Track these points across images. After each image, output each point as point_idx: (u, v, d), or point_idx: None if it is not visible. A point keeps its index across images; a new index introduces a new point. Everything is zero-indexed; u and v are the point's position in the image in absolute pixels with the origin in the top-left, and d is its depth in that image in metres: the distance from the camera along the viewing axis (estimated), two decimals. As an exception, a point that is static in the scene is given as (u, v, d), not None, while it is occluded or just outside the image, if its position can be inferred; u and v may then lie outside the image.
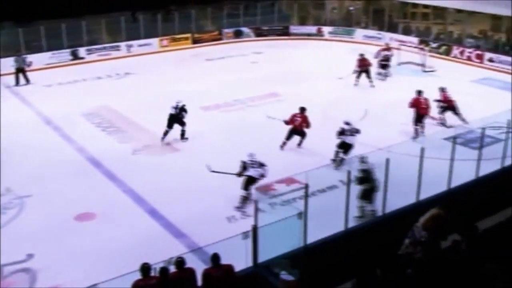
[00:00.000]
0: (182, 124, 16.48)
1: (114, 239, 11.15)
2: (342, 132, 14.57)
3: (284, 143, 15.88)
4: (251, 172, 12.39)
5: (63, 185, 13.66)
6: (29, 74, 23.83)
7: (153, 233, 11.44)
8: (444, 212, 8.80)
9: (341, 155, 14.48)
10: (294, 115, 15.93)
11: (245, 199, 12.29)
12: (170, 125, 16.36)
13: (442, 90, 17.85)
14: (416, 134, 16.19)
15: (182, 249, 10.26)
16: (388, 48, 24.11)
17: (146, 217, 12.05)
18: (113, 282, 7.40)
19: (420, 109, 16.63)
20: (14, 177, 14.07)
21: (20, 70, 23.68)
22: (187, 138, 16.44)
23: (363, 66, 22.38)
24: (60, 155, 15.66)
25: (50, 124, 18.36)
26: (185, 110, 16.44)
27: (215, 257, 8.15)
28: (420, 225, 8.57)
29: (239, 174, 12.46)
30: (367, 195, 11.33)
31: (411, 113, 16.96)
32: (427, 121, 16.79)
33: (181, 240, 11.03)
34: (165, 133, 16.34)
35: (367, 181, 11.25)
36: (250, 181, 12.40)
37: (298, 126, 15.86)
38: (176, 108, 16.40)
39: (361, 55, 22.67)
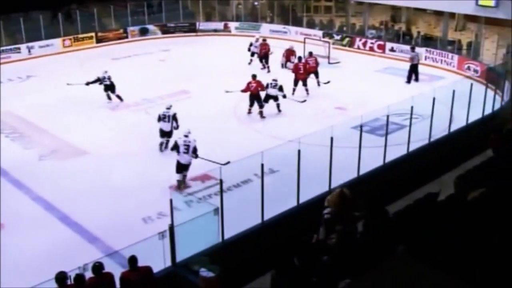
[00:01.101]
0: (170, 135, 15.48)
1: (26, 249, 10.72)
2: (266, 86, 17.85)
3: (249, 110, 18.25)
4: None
5: (-34, 196, 12.97)
6: None
7: (67, 240, 11.09)
8: (348, 191, 9.20)
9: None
10: (249, 83, 18.19)
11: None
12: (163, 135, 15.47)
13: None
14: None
15: (97, 254, 10.01)
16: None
17: (58, 224, 11.66)
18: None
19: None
20: None
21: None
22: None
23: (263, 51, 24.22)
24: (-40, 165, 14.84)
25: None
26: (176, 119, 15.54)
27: (132, 260, 7.99)
28: (325, 202, 8.90)
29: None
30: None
31: (320, 104, 17.40)
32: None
33: (96, 245, 10.77)
34: (162, 144, 15.41)
35: None
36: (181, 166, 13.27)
37: (254, 91, 18.09)
38: (165, 117, 15.38)
39: (264, 40, 24.88)
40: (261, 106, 18.15)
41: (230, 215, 9.42)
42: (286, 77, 20.12)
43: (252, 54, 24.82)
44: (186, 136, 13.42)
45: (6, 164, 14.63)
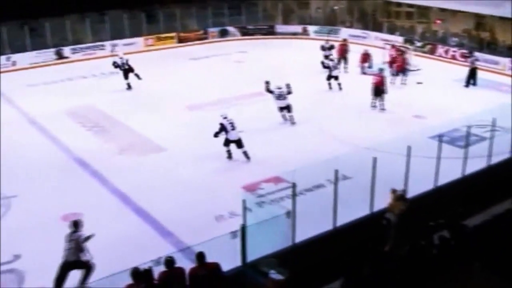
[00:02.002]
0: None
1: (101, 239, 11.05)
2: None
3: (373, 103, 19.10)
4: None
5: (49, 185, 13.55)
6: (13, 73, 23.63)
7: (141, 232, 11.38)
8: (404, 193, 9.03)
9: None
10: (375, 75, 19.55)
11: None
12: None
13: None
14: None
15: (170, 248, 10.25)
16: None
17: (133, 217, 11.99)
18: (101, 282, 7.37)
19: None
20: (-2, 177, 13.98)
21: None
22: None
23: (342, 52, 24.37)
24: (45, 155, 15.54)
25: (35, 124, 18.22)
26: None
27: (200, 256, 8.12)
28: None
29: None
30: None
31: (396, 111, 17.10)
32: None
33: (168, 239, 10.99)
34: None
35: None
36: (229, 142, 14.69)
37: (378, 83, 19.08)
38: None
39: (344, 40, 25.22)
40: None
41: (301, 219, 9.41)
42: (363, 82, 19.92)
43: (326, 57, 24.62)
44: (225, 117, 14.85)
45: (87, 157, 15.23)
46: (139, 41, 29.75)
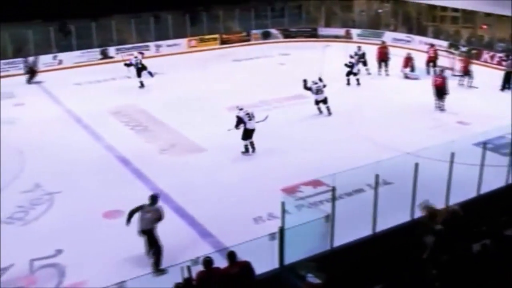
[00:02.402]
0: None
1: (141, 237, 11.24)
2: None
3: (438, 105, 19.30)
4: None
5: (92, 182, 13.84)
6: (59, 72, 24.24)
7: (180, 231, 11.49)
8: (461, 210, 8.85)
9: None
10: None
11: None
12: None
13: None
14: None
15: (208, 248, 10.33)
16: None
17: (173, 216, 12.10)
18: (140, 279, 7.46)
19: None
20: (43, 173, 14.33)
21: (31, 71, 24.14)
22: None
23: (381, 55, 24.30)
24: (89, 152, 15.88)
25: (79, 122, 18.64)
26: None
27: (232, 255, 8.15)
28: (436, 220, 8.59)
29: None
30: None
31: (440, 116, 16.85)
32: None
33: (207, 239, 11.07)
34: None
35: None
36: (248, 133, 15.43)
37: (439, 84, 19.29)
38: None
39: (383, 42, 25.14)
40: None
41: (340, 223, 9.34)
42: (405, 85, 19.66)
43: (364, 63, 24.40)
44: (241, 108, 15.69)
45: (129, 155, 15.49)
46: (183, 42, 30.09)
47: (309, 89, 18.89)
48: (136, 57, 23.47)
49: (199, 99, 20.26)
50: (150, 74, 22.99)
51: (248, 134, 15.56)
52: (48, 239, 11.14)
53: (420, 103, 19.59)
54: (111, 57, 27.90)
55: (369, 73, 24.15)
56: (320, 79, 18.89)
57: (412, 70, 23.99)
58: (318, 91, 18.73)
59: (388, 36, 30.68)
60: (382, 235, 9.99)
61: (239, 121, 15.53)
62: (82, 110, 19.67)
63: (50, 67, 26.05)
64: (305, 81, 18.91)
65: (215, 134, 16.63)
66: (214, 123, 17.88)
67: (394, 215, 10.58)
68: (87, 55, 27.31)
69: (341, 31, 32.51)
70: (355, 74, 22.47)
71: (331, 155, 15.22)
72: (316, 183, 13.22)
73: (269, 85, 22.33)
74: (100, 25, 28.08)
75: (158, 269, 9.89)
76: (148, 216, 10.19)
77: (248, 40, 32.01)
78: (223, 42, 31.32)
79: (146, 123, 18.40)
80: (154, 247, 10.13)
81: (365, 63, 24.25)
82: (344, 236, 9.59)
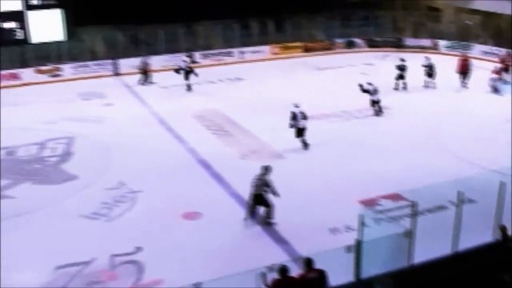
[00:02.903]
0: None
1: (218, 239, 11.41)
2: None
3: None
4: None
5: (173, 183, 14.20)
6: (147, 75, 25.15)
7: (256, 237, 11.58)
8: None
9: None
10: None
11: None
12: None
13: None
14: None
15: (283, 256, 10.34)
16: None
17: (250, 221, 12.21)
18: (215, 283, 7.58)
19: None
20: (128, 171, 14.86)
21: (144, 72, 24.98)
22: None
23: (462, 68, 23.59)
24: (172, 154, 16.31)
25: (163, 124, 19.19)
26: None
27: (309, 261, 8.16)
28: None
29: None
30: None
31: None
32: None
33: (283, 247, 11.09)
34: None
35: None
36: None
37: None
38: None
39: (463, 55, 24.36)
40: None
41: (420, 240, 9.12)
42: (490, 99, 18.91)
43: (429, 75, 23.64)
44: (297, 106, 16.53)
45: (209, 158, 15.78)
46: (266, 49, 30.35)
47: (367, 91, 19.72)
48: (184, 60, 24.13)
49: (280, 106, 20.33)
50: (195, 74, 23.63)
51: (299, 133, 16.48)
52: (129, 236, 11.53)
53: (506, 117, 18.73)
54: (196, 62, 28.53)
55: (428, 86, 23.48)
56: (370, 84, 19.81)
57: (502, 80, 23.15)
58: (375, 91, 19.65)
59: (477, 49, 29.66)
60: (463, 254, 9.67)
61: (294, 117, 16.39)
62: (167, 112, 20.25)
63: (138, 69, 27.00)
64: (361, 85, 19.75)
65: (294, 142, 16.64)
66: (294, 131, 17.91)
67: (476, 235, 10.21)
68: (174, 59, 28.06)
69: (428, 42, 31.73)
70: (401, 77, 23.01)
71: (411, 167, 14.89)
72: (396, 196, 12.97)
73: (351, 95, 22.08)
74: (187, 30, 28.82)
75: (267, 221, 11.85)
76: (257, 183, 11.96)
77: (332, 49, 31.84)
78: (307, 50, 31.33)
79: (228, 128, 18.69)
80: (266, 206, 11.91)
81: (431, 75, 23.50)
82: (424, 253, 9.34)
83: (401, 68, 23.30)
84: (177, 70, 23.87)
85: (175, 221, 12.24)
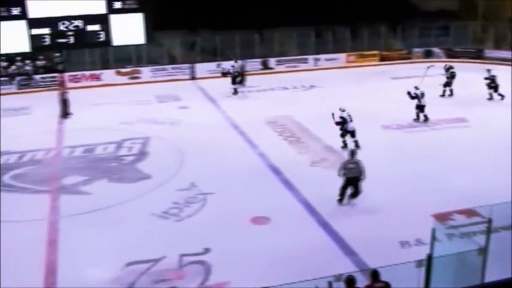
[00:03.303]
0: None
1: (284, 246, 11.39)
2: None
3: None
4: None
5: (243, 187, 14.33)
6: (221, 80, 25.51)
7: (323, 245, 11.49)
8: None
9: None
10: None
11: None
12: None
13: None
14: None
15: (351, 266, 10.22)
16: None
17: (318, 229, 12.15)
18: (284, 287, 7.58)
19: None
20: (199, 173, 15.12)
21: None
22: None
23: None
24: (243, 158, 16.47)
25: (236, 128, 19.42)
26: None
27: (376, 273, 8.06)
28: None
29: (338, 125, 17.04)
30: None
31: None
32: None
33: (350, 257, 10.95)
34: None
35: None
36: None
37: None
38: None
39: None
40: None
41: (493, 258, 8.79)
42: None
43: (495, 89, 22.71)
44: (344, 110, 17.25)
45: (280, 164, 15.82)
46: (341, 57, 30.17)
47: (415, 97, 19.75)
48: (233, 65, 24.46)
49: (353, 115, 20.15)
50: (243, 82, 24.22)
51: (352, 135, 17.13)
52: (198, 237, 11.71)
53: None
54: (271, 68, 28.74)
55: (492, 98, 22.65)
56: (417, 88, 19.89)
57: None
58: (423, 95, 19.75)
59: None
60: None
61: (344, 121, 17.02)
62: (240, 117, 20.50)
63: (213, 74, 27.48)
64: (409, 92, 19.87)
65: (366, 152, 16.35)
66: (366, 140, 17.68)
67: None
68: (249, 65, 28.37)
69: (509, 54, 30.55)
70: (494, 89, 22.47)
71: (487, 183, 14.36)
72: (470, 212, 12.53)
73: (428, 105, 21.57)
74: (263, 37, 29.09)
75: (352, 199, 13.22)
76: (352, 166, 13.10)
77: (409, 58, 31.28)
78: (382, 58, 30.91)
79: (299, 135, 18.69)
80: (356, 188, 13.13)
81: (496, 88, 22.57)
82: (497, 272, 8.99)
83: (491, 79, 22.59)
84: (225, 74, 24.29)
85: (243, 225, 12.33)
